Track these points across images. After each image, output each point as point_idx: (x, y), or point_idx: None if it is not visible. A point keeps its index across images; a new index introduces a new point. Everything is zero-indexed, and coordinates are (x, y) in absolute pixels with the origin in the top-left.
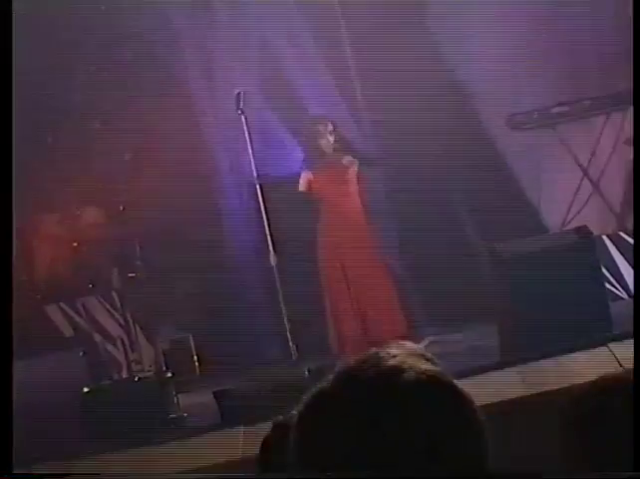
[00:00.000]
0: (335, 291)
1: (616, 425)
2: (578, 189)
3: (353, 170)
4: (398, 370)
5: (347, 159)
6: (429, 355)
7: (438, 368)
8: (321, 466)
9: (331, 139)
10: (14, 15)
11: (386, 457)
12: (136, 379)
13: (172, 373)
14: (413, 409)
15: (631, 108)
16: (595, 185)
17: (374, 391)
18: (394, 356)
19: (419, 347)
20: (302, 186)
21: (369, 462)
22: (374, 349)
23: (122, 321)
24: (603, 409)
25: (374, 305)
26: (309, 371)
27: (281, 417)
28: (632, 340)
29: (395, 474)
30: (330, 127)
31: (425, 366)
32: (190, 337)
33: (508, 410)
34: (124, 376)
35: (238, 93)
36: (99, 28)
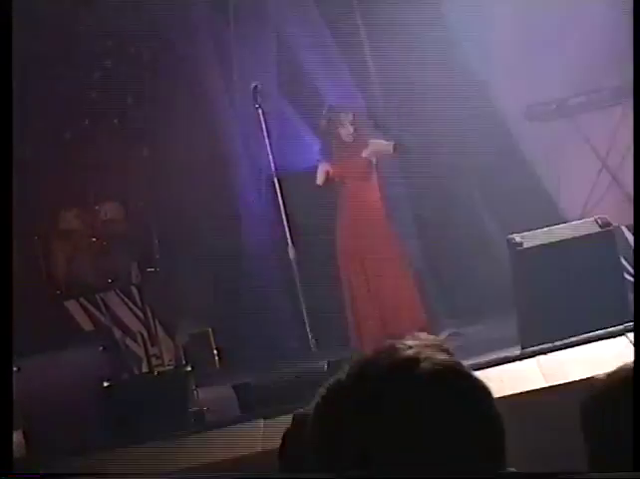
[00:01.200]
0: (354, 284)
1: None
2: (597, 179)
3: (372, 162)
4: (414, 362)
5: (367, 151)
6: (446, 347)
7: (454, 360)
8: (338, 458)
9: (351, 128)
10: (31, 11)
11: (403, 448)
12: (155, 373)
13: (192, 367)
14: (429, 400)
15: None
16: (614, 175)
17: (390, 383)
18: (410, 348)
19: (436, 339)
20: (320, 179)
21: (385, 453)
22: (391, 341)
23: (141, 316)
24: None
25: (393, 298)
26: (328, 364)
27: (301, 410)
28: None
29: (411, 466)
30: (350, 116)
31: (441, 357)
32: (210, 331)
33: (528, 402)
34: (144, 371)
35: (255, 86)
36: (116, 24)
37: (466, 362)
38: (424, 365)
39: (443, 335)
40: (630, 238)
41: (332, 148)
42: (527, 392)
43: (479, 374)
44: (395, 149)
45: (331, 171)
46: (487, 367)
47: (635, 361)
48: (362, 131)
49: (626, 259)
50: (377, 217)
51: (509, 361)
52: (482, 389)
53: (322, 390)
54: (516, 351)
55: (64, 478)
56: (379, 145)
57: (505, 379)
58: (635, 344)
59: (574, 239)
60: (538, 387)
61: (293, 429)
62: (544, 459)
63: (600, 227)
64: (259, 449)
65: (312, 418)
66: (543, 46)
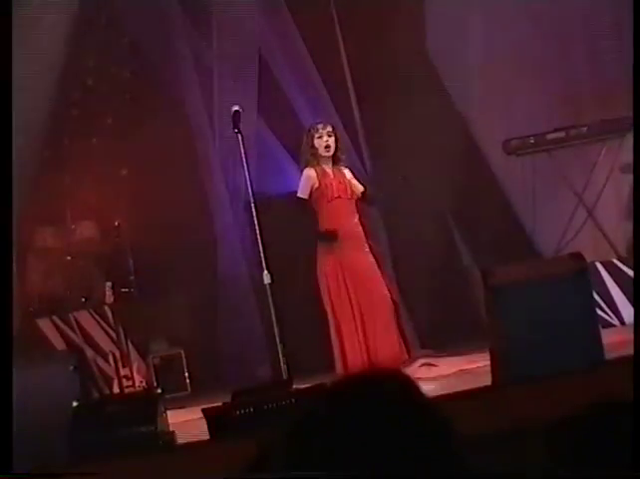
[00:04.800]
0: (337, 309)
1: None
2: (573, 215)
3: (352, 183)
4: (381, 391)
5: (349, 173)
6: (412, 377)
7: (422, 391)
8: None
9: (329, 140)
10: (14, 29)
11: (372, 472)
12: (125, 394)
13: (162, 390)
14: (395, 428)
15: (629, 134)
16: (590, 211)
17: (359, 411)
18: (380, 378)
19: (404, 369)
20: (303, 191)
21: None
22: (361, 371)
23: (114, 336)
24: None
25: (374, 325)
26: (299, 391)
27: (269, 435)
28: (623, 366)
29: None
30: (329, 128)
31: (408, 388)
32: (182, 353)
33: (500, 434)
34: (114, 391)
35: (235, 111)
36: (97, 44)
37: (437, 393)
38: (390, 396)
39: (416, 365)
40: (604, 273)
41: (310, 163)
42: (500, 424)
43: (451, 406)
44: (364, 195)
45: (317, 185)
46: (460, 399)
47: (635, 361)
48: (341, 145)
49: (599, 296)
50: (358, 239)
51: (482, 393)
52: (446, 421)
53: (293, 418)
54: (488, 383)
55: (64, 478)
56: (353, 184)
57: (478, 411)
58: (635, 344)
59: (548, 275)
60: (511, 420)
61: (260, 454)
62: None
63: (574, 263)
64: (227, 475)
65: (283, 445)
66: (523, 81)
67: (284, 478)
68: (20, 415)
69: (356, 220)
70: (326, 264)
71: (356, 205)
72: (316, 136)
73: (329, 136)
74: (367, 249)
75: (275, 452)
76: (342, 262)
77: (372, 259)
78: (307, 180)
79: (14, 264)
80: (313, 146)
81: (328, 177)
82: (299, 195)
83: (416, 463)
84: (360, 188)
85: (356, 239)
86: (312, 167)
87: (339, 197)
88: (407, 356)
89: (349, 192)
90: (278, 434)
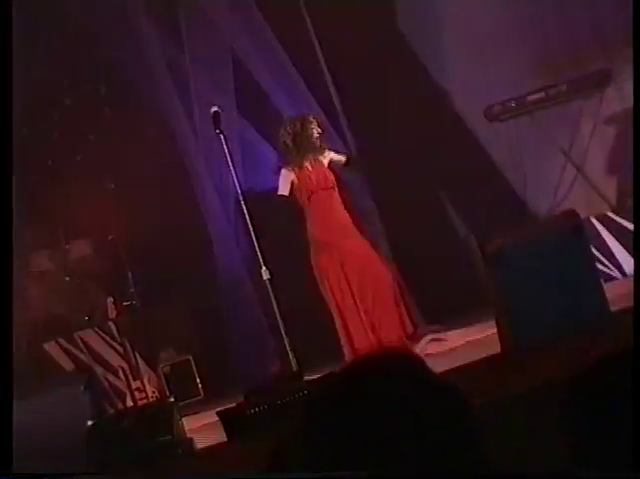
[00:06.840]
0: (338, 296)
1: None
2: (562, 173)
3: (332, 172)
4: (391, 373)
5: (328, 157)
6: (420, 356)
7: (430, 369)
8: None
9: (301, 136)
10: None
11: (383, 456)
12: (140, 407)
13: (176, 397)
14: (407, 409)
15: (609, 88)
16: (579, 167)
17: (369, 394)
18: (389, 358)
19: (414, 346)
20: (283, 189)
21: (367, 462)
22: (368, 354)
23: (121, 350)
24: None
25: (378, 305)
26: (310, 382)
27: (286, 431)
28: (628, 320)
29: (395, 471)
30: (298, 125)
31: (417, 367)
32: (191, 359)
33: (510, 403)
34: (128, 405)
35: (215, 112)
36: (69, 62)
37: (447, 366)
38: (400, 376)
39: (423, 341)
40: (600, 227)
41: (290, 158)
42: (509, 392)
43: (460, 377)
44: (347, 161)
45: (294, 180)
46: (469, 370)
47: (635, 359)
48: (317, 135)
49: (598, 250)
50: (347, 226)
51: (490, 362)
52: (457, 398)
53: (305, 406)
54: (497, 352)
55: (64, 478)
56: (332, 156)
57: (487, 380)
58: (635, 340)
59: (544, 235)
60: (520, 387)
61: (279, 450)
62: (527, 462)
63: (569, 220)
64: (248, 474)
65: (296, 434)
66: (498, 46)
67: (290, 478)
68: (34, 443)
69: (341, 208)
70: (320, 259)
71: (340, 192)
72: (286, 134)
73: (302, 130)
74: (358, 234)
75: (290, 446)
76: (336, 253)
77: (365, 243)
78: (284, 178)
79: (13, 291)
80: (285, 144)
81: (305, 171)
82: (280, 192)
83: (428, 444)
84: (341, 158)
85: (344, 227)
86: (289, 164)
87: (319, 190)
88: (413, 329)
89: (329, 182)
90: (291, 428)
